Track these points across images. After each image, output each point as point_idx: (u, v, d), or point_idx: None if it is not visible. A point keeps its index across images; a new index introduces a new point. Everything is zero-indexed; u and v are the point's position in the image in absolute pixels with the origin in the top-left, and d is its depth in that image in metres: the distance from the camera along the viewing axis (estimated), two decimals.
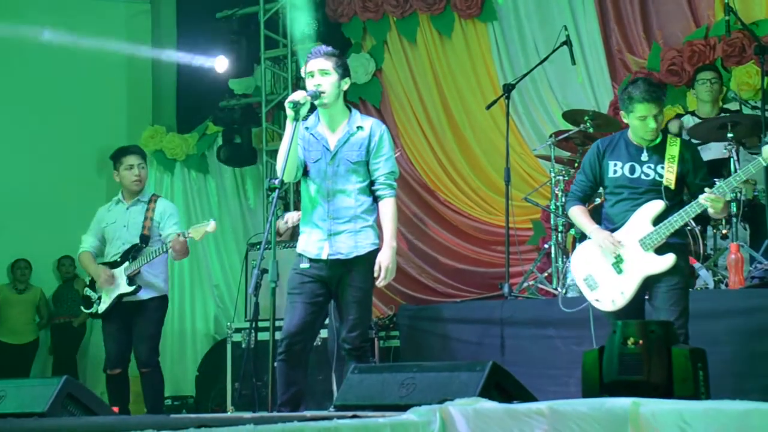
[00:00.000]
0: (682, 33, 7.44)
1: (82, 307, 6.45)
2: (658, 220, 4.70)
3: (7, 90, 9.30)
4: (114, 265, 6.19)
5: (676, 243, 4.74)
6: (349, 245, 4.69)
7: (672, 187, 4.72)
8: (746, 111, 6.63)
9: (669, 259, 4.67)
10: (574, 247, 6.54)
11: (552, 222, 6.80)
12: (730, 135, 5.99)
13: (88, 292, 6.31)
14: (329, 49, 4.80)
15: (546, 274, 6.84)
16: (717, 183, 4.71)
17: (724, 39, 7.06)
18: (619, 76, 7.68)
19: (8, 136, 9.23)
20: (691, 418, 2.98)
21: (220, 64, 8.89)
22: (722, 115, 6.52)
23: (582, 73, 7.82)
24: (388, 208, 4.73)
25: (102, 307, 6.17)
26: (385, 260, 4.66)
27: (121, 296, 6.12)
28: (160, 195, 6.55)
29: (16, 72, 9.37)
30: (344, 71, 4.74)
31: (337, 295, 4.75)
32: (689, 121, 6.70)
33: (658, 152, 4.79)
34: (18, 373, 8.71)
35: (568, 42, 7.06)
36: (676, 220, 4.66)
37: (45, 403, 4.21)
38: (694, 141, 6.51)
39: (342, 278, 4.71)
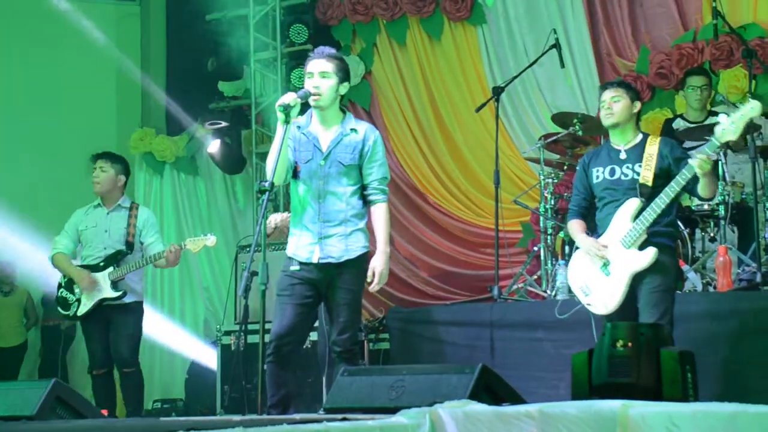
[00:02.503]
0: (671, 36, 7.47)
1: (59, 309, 6.41)
2: (637, 218, 4.77)
3: None
4: (95, 268, 6.22)
5: (662, 243, 4.77)
6: (340, 249, 4.69)
7: (649, 184, 4.78)
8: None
9: (650, 253, 4.70)
10: (563, 250, 6.59)
11: (541, 224, 6.81)
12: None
13: (64, 293, 6.30)
14: (332, 51, 4.80)
15: (535, 277, 6.86)
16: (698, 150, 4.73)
17: (712, 42, 7.09)
18: (608, 79, 7.68)
19: None
20: (679, 420, 2.99)
21: (213, 146, 8.94)
22: (710, 118, 6.55)
23: (571, 76, 7.84)
24: (380, 213, 4.75)
25: (82, 310, 6.20)
26: (379, 265, 4.67)
27: (102, 300, 6.16)
28: (138, 203, 6.61)
29: (3, 75, 9.33)
30: (344, 75, 4.73)
31: (327, 298, 4.75)
32: (679, 124, 6.73)
33: (636, 152, 4.89)
34: (6, 376, 8.67)
35: (557, 45, 7.09)
36: (650, 213, 4.72)
37: (34, 407, 4.20)
38: (685, 145, 6.54)
39: (332, 281, 4.70)
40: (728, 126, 4.55)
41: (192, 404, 8.06)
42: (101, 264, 6.21)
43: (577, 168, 5.16)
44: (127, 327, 6.21)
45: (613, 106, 4.91)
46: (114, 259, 6.20)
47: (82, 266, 6.26)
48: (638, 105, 4.99)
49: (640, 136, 4.97)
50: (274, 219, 6.04)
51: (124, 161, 6.56)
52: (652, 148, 4.85)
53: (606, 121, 4.95)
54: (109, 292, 6.15)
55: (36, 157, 9.24)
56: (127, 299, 6.21)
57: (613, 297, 4.79)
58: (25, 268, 9.41)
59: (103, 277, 6.18)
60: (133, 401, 6.25)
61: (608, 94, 4.94)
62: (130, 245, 6.24)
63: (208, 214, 9.48)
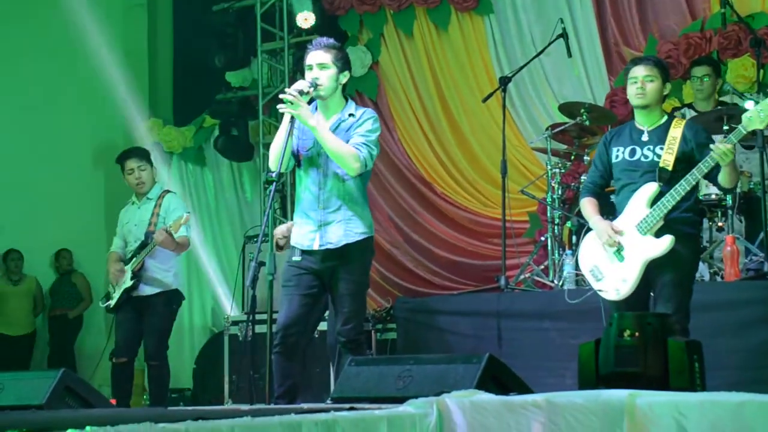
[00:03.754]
0: (678, 26, 7.45)
1: (100, 302, 6.62)
2: (654, 203, 4.66)
3: (4, 84, 9.27)
4: (127, 262, 6.35)
5: (682, 231, 4.65)
6: (339, 234, 4.66)
7: (669, 168, 4.64)
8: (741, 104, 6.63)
9: (666, 241, 4.60)
10: (570, 240, 6.58)
11: (548, 214, 6.80)
12: (726, 128, 5.99)
13: (110, 288, 6.45)
14: (330, 41, 4.78)
15: (542, 267, 6.86)
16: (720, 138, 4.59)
17: (720, 32, 7.07)
18: (616, 69, 7.69)
19: (6, 129, 9.21)
20: (686, 409, 2.99)
21: None
22: (718, 108, 6.52)
23: (578, 66, 7.83)
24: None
25: (113, 302, 6.33)
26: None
27: (127, 291, 6.25)
28: (170, 190, 6.62)
29: (12, 65, 9.35)
30: (344, 64, 4.72)
31: (330, 288, 4.75)
32: (687, 114, 6.71)
33: (659, 134, 4.75)
34: (17, 365, 8.72)
35: (564, 35, 7.07)
36: (668, 200, 4.61)
37: (43, 396, 4.23)
38: None
39: (335, 271, 4.70)
40: (756, 114, 4.43)
41: (200, 394, 8.09)
42: (129, 258, 6.33)
43: (599, 144, 5.02)
44: (152, 322, 6.27)
45: (647, 85, 4.73)
46: (137, 251, 6.28)
47: (124, 261, 6.38)
48: (668, 87, 4.83)
49: (665, 117, 4.83)
50: (281, 231, 5.95)
51: (148, 152, 6.66)
52: (677, 131, 4.71)
53: (636, 101, 4.77)
54: (127, 282, 6.25)
55: (44, 149, 9.26)
56: (150, 291, 6.26)
57: (626, 283, 4.70)
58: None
59: (128, 270, 6.27)
60: (156, 394, 6.31)
61: (641, 71, 4.75)
62: (149, 234, 6.27)
63: (216, 205, 9.51)
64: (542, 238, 6.97)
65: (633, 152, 4.79)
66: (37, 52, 9.31)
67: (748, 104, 4.51)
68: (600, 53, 7.77)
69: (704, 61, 6.82)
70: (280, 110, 4.54)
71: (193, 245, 6.75)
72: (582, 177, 6.63)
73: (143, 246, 6.25)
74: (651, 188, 4.68)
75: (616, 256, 4.76)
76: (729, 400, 3.03)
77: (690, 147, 4.67)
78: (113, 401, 5.84)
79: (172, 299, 6.36)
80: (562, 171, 6.78)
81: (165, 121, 9.66)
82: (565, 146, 7.04)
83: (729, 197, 5.95)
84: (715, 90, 6.76)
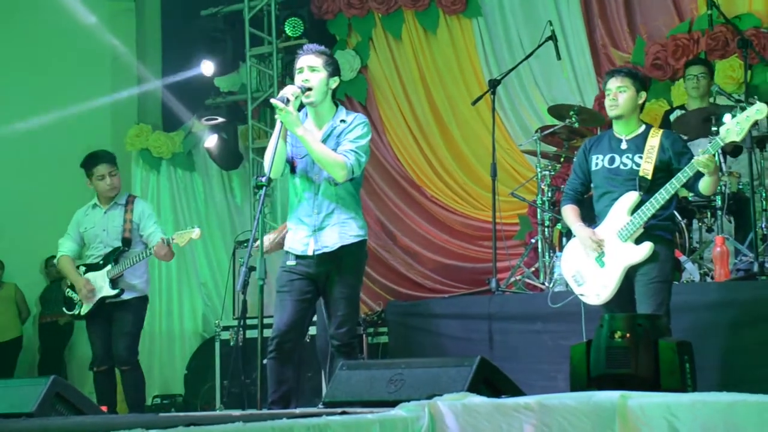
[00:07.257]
0: (666, 27, 7.47)
1: (64, 309, 6.48)
2: (635, 211, 4.76)
3: None
4: (95, 267, 6.26)
5: (659, 236, 4.76)
6: (334, 238, 4.68)
7: (648, 177, 4.76)
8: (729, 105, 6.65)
9: (645, 248, 4.70)
10: (560, 242, 6.59)
11: (538, 217, 6.82)
12: (714, 129, 6.00)
13: (70, 293, 6.36)
14: (320, 47, 4.82)
15: (533, 269, 6.87)
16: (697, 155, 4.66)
17: (708, 33, 7.10)
18: (604, 71, 7.62)
19: None
20: (678, 410, 3.00)
21: (206, 67, 8.91)
22: (705, 107, 6.53)
23: (567, 68, 7.84)
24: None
25: (85, 309, 6.25)
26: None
27: (103, 298, 6.19)
28: (136, 195, 6.61)
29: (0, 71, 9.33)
30: (334, 70, 4.75)
31: (324, 292, 4.75)
32: (677, 114, 6.72)
33: (638, 143, 4.86)
34: (4, 370, 8.69)
35: (553, 37, 7.09)
36: (648, 208, 4.71)
37: (33, 403, 4.21)
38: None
39: (330, 275, 4.70)
40: (733, 127, 4.54)
41: (191, 400, 8.08)
42: (100, 263, 6.25)
43: (578, 152, 5.13)
44: (125, 325, 6.22)
45: (619, 96, 4.85)
46: (112, 257, 6.22)
47: (87, 265, 6.30)
48: (644, 96, 4.93)
49: (643, 127, 4.93)
50: (268, 239, 5.97)
51: (114, 155, 6.57)
52: (654, 140, 4.81)
53: (610, 112, 4.90)
54: (107, 290, 6.18)
55: (32, 154, 9.23)
56: (127, 296, 6.23)
57: (606, 288, 4.80)
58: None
59: (102, 276, 6.20)
60: (133, 399, 6.26)
61: (614, 83, 4.88)
62: (126, 241, 6.24)
63: (206, 210, 9.48)
64: (532, 241, 6.98)
65: (612, 160, 4.89)
66: (25, 58, 9.27)
67: (726, 117, 4.58)
68: (588, 55, 7.78)
69: (698, 61, 6.88)
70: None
71: (183, 251, 6.72)
72: None
73: (120, 252, 6.22)
74: (632, 197, 4.78)
75: (598, 262, 4.85)
76: (720, 400, 3.04)
77: (668, 156, 4.79)
78: (104, 408, 5.82)
79: (143, 304, 6.36)
80: (552, 173, 6.79)
81: (154, 127, 9.63)
82: (554, 148, 7.05)
83: (719, 198, 5.99)
84: (708, 91, 6.77)
